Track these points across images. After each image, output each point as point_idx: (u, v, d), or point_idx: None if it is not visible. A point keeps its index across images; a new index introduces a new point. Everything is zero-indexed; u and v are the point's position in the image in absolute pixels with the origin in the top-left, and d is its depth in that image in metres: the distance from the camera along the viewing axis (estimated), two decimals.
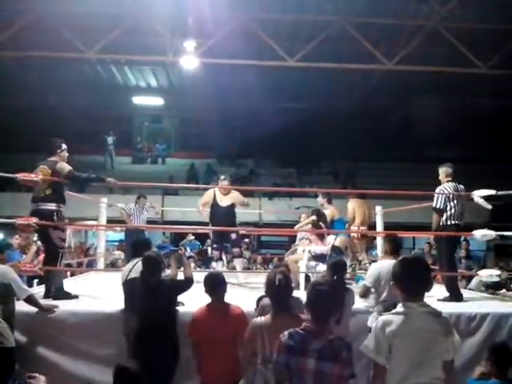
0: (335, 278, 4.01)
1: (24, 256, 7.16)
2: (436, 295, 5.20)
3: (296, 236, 8.15)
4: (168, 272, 4.44)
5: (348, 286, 4.48)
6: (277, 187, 17.47)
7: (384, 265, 4.24)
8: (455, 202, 5.52)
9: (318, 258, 6.75)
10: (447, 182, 5.65)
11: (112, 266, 8.90)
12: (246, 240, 13.03)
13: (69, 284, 5.76)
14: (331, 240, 6.83)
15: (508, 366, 3.34)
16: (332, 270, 4.17)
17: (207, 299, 3.83)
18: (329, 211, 7.24)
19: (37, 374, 1.84)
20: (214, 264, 7.40)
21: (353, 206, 7.64)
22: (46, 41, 11.83)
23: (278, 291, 3.12)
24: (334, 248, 6.75)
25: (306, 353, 2.51)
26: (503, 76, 12.58)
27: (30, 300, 4.18)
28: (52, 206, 4.95)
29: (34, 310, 4.26)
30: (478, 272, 6.17)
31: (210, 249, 7.83)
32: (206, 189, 7.98)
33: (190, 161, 19.54)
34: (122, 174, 14.93)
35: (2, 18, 11.31)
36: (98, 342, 4.21)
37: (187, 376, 3.98)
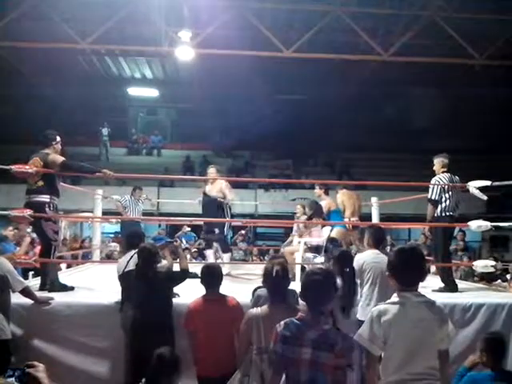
0: (346, 270, 3.86)
1: (18, 248, 7.15)
2: (431, 286, 5.23)
3: (292, 227, 8.13)
4: (164, 262, 4.43)
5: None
6: (273, 179, 17.47)
7: (366, 256, 4.29)
8: (450, 193, 5.52)
9: (314, 249, 6.77)
10: (442, 172, 5.65)
11: (108, 257, 8.89)
12: (242, 232, 13.04)
13: (64, 276, 5.75)
14: (327, 231, 6.83)
15: (502, 357, 3.36)
16: (340, 262, 3.96)
17: (202, 291, 3.83)
18: (325, 202, 7.24)
19: (36, 363, 1.84)
20: (207, 252, 7.35)
21: (342, 198, 7.62)
22: (40, 31, 11.74)
23: (276, 282, 3.12)
24: (331, 239, 6.75)
25: (301, 343, 2.51)
26: (499, 66, 12.56)
27: (26, 292, 4.17)
28: (44, 198, 4.93)
29: (30, 302, 4.25)
30: (473, 263, 6.20)
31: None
32: (204, 180, 7.93)
33: (185, 152, 19.50)
34: (117, 165, 14.88)
35: None
36: (94, 334, 4.21)
37: (184, 367, 3.98)
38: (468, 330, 4.53)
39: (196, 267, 6.17)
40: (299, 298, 2.75)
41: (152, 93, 20.31)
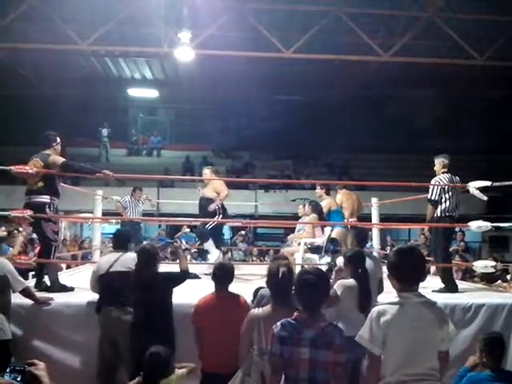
0: (359, 271, 3.87)
1: (11, 248, 7.14)
2: (431, 286, 5.23)
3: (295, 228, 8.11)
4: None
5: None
6: (272, 179, 17.47)
7: None
8: (450, 193, 5.52)
9: (315, 249, 6.78)
10: (443, 173, 5.65)
11: None
12: (242, 232, 13.05)
13: (64, 276, 5.75)
14: (327, 231, 6.84)
15: (501, 357, 3.36)
16: (352, 262, 3.94)
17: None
18: (326, 202, 7.24)
19: (36, 361, 1.83)
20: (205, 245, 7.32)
21: (341, 198, 7.63)
22: (40, 32, 11.74)
23: (281, 284, 3.11)
24: (331, 240, 6.76)
25: (299, 342, 2.53)
26: (499, 67, 12.56)
27: (26, 292, 4.17)
28: (44, 199, 4.93)
29: (29, 302, 4.25)
30: (473, 263, 6.20)
31: None
32: (201, 181, 7.91)
33: (185, 153, 19.49)
34: (117, 166, 14.88)
35: None
36: (94, 334, 4.20)
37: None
38: (468, 331, 4.53)
39: (196, 268, 6.19)
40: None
41: (152, 93, 20.30)
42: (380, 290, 4.34)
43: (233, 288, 3.92)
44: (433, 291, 5.14)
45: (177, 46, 11.66)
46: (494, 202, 9.83)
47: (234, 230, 14.73)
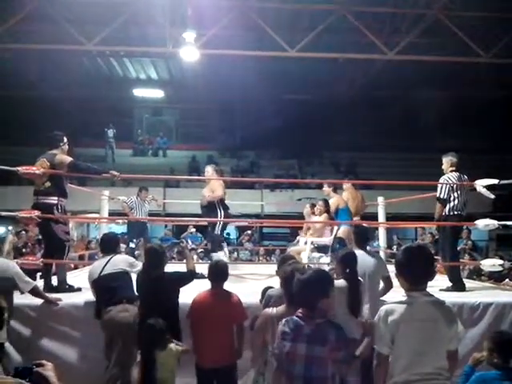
0: (348, 271, 3.83)
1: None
2: (438, 285, 5.21)
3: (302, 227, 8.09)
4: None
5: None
6: (278, 179, 17.46)
7: None
8: (459, 192, 5.49)
9: (321, 249, 6.77)
10: (451, 171, 5.62)
11: None
12: (249, 232, 13.04)
13: (71, 277, 5.76)
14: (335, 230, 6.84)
15: (510, 356, 3.33)
16: (342, 263, 3.90)
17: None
18: (334, 200, 7.21)
19: (44, 362, 1.84)
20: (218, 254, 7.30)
21: (347, 196, 7.59)
22: (45, 32, 11.78)
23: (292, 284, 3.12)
24: (337, 239, 6.74)
25: (297, 338, 2.58)
26: (505, 65, 12.50)
27: (35, 292, 4.19)
28: (52, 200, 4.94)
29: (37, 302, 4.27)
30: (481, 262, 6.17)
31: None
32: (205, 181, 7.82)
33: (190, 153, 19.51)
34: (123, 166, 14.91)
35: (1, 9, 11.26)
36: (101, 335, 4.21)
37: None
38: (476, 330, 4.51)
39: (203, 268, 6.19)
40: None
41: (157, 94, 20.35)
42: (388, 287, 4.34)
43: (239, 287, 3.94)
44: (440, 290, 5.12)
45: (182, 45, 11.68)
46: (501, 200, 9.79)
47: (240, 230, 14.74)
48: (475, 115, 17.62)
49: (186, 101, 19.99)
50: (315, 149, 19.30)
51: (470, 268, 8.69)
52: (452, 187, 5.48)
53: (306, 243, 6.87)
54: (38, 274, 6.31)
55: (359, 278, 3.86)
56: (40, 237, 10.59)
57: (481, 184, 5.72)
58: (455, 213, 5.46)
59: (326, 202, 7.07)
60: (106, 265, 4.29)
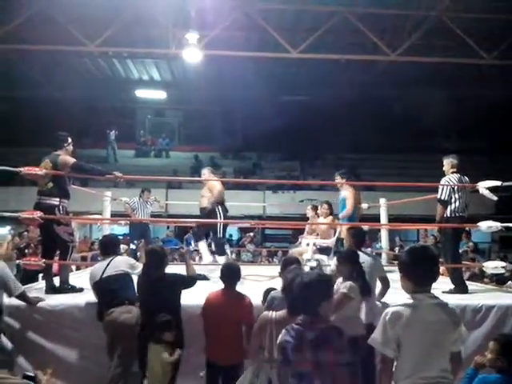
0: (354, 274, 3.81)
1: None
2: (441, 287, 5.19)
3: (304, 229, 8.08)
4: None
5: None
6: (280, 180, 17.45)
7: None
8: (460, 193, 5.49)
9: (323, 250, 6.77)
10: (452, 173, 5.62)
11: None
12: (251, 233, 13.04)
13: (74, 278, 5.77)
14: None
15: None
16: (347, 262, 3.88)
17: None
18: (348, 192, 7.21)
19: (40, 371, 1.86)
20: (199, 244, 7.29)
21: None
22: (47, 34, 11.78)
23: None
24: (339, 240, 6.75)
25: (301, 346, 2.55)
26: (508, 66, 12.47)
27: (22, 296, 4.21)
28: (54, 201, 4.96)
29: (40, 304, 4.29)
30: (484, 264, 6.16)
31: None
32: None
33: (193, 154, 19.52)
34: (125, 167, 14.93)
35: (4, 11, 11.29)
36: (104, 335, 4.22)
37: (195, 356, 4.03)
38: (479, 332, 4.51)
39: (203, 270, 6.20)
40: None
41: (160, 95, 20.36)
42: (385, 287, 4.37)
43: (242, 289, 3.95)
44: (443, 292, 5.11)
45: (184, 46, 11.70)
46: (503, 202, 9.73)
47: (242, 232, 14.74)
48: (478, 116, 17.58)
49: (188, 102, 20.00)
50: (317, 150, 19.29)
51: (476, 271, 8.67)
52: (453, 189, 5.47)
53: (308, 245, 6.87)
54: (41, 275, 6.33)
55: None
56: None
57: (483, 186, 5.71)
58: (457, 214, 5.46)
59: (330, 205, 7.09)
60: (106, 267, 4.30)
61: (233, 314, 3.79)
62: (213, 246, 7.07)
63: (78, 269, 7.42)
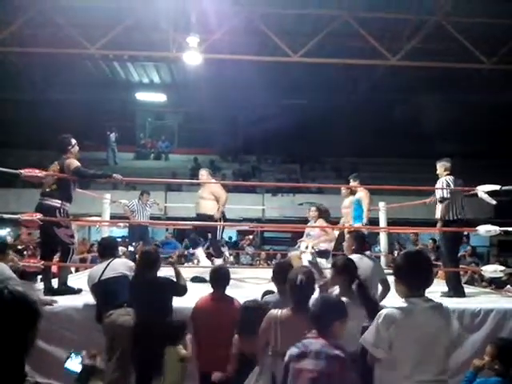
0: (350, 285, 3.53)
1: None
2: (438, 290, 5.20)
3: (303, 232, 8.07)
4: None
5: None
6: (280, 183, 17.46)
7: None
8: (456, 195, 5.51)
9: (322, 253, 6.77)
10: (446, 175, 5.64)
11: None
12: (250, 236, 13.05)
13: (73, 279, 5.77)
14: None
15: (511, 363, 3.32)
16: (346, 273, 3.56)
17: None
18: (363, 194, 7.24)
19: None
20: (197, 251, 7.22)
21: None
22: (48, 36, 11.83)
23: (299, 290, 3.15)
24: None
25: (305, 354, 2.60)
26: (509, 70, 12.51)
27: None
28: (55, 203, 4.99)
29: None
30: (482, 268, 6.16)
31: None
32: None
33: (192, 157, 19.53)
34: (124, 170, 14.93)
35: (5, 13, 11.32)
36: (102, 337, 4.22)
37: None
38: (477, 336, 4.51)
39: (205, 271, 6.19)
40: None
41: (160, 98, 20.38)
42: (386, 289, 4.30)
43: (240, 292, 3.94)
44: (441, 296, 5.11)
45: (185, 50, 11.72)
46: (502, 206, 9.76)
47: (241, 234, 14.74)
48: (477, 120, 17.59)
49: (188, 105, 20.02)
50: (317, 153, 19.32)
51: (474, 275, 8.68)
52: (450, 191, 5.48)
53: (306, 248, 6.87)
54: (39, 277, 6.34)
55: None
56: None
57: (482, 190, 5.72)
58: (455, 217, 5.47)
59: (319, 208, 7.10)
60: (105, 269, 4.30)
61: (223, 318, 3.72)
62: (211, 249, 7.07)
63: (77, 270, 7.42)
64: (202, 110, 19.30)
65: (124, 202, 8.71)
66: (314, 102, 18.06)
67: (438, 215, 5.63)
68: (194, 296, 4.16)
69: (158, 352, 3.78)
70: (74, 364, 2.01)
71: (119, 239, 12.04)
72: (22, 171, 4.92)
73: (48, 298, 4.45)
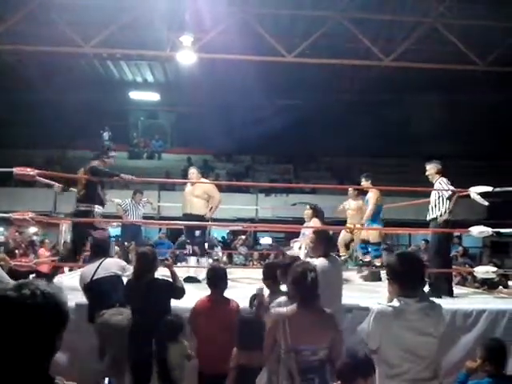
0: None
1: None
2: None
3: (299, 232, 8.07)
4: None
5: None
6: (273, 183, 17.46)
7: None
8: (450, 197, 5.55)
9: None
10: (439, 177, 5.68)
11: None
12: (243, 236, 13.04)
13: (67, 279, 5.75)
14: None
15: (504, 363, 3.34)
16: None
17: (201, 295, 3.92)
18: (373, 194, 7.24)
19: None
20: (187, 259, 7.06)
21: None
22: (42, 35, 11.77)
23: (308, 287, 3.06)
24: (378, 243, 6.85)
25: None
26: (501, 73, 12.58)
27: None
28: (84, 207, 5.40)
29: None
30: (474, 269, 6.19)
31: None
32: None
33: (186, 156, 19.50)
34: (118, 169, 14.77)
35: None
36: (95, 338, 4.20)
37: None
38: (469, 337, 4.53)
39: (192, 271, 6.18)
40: None
41: (153, 97, 20.34)
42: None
43: (233, 292, 3.93)
44: (431, 297, 5.11)
45: (179, 49, 11.70)
46: (494, 207, 9.83)
47: (234, 234, 14.74)
48: (470, 121, 17.68)
49: (181, 104, 19.98)
50: (311, 154, 19.35)
51: (463, 275, 8.72)
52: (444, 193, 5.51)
53: (300, 248, 6.88)
54: (31, 276, 6.31)
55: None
56: (33, 238, 10.58)
57: (475, 191, 5.75)
58: (446, 218, 5.49)
59: (313, 208, 7.11)
60: (97, 269, 4.28)
61: (223, 320, 3.71)
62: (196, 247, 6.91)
63: (70, 269, 7.39)
64: (196, 109, 19.31)
65: (117, 201, 8.67)
66: (308, 102, 18.09)
67: (433, 215, 5.66)
68: (188, 296, 4.15)
69: (156, 352, 3.78)
70: None
71: (112, 238, 12.04)
72: (14, 169, 4.90)
73: None
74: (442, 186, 5.60)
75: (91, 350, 4.12)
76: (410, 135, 18.23)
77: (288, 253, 7.08)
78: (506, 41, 12.04)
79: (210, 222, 6.77)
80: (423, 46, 12.41)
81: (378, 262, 7.26)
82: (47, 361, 1.42)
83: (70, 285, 5.17)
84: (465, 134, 17.73)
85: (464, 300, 5.27)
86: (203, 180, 7.20)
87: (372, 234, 7.26)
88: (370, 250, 7.45)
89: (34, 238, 8.75)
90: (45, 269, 7.06)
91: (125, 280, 4.31)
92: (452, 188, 5.56)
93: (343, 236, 7.95)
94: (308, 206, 7.37)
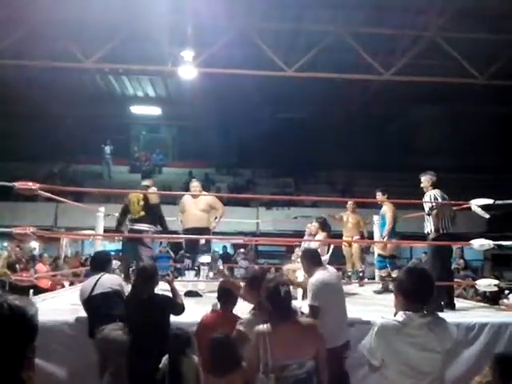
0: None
1: None
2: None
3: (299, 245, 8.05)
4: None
5: None
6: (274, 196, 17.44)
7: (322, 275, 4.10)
8: (444, 210, 5.51)
9: None
10: (433, 189, 5.65)
11: None
12: (243, 250, 13.01)
13: (66, 293, 5.73)
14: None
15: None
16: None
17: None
18: (388, 208, 7.26)
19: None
20: (186, 273, 6.99)
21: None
22: (44, 50, 11.85)
23: (282, 301, 3.10)
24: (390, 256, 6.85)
25: None
26: (501, 86, 12.64)
27: None
28: (144, 227, 5.81)
29: None
30: (476, 282, 6.16)
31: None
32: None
33: (187, 170, 19.53)
34: (119, 183, 14.89)
35: (1, 27, 11.34)
36: (95, 353, 4.17)
37: None
38: (472, 350, 4.50)
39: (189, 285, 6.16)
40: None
41: (154, 111, 20.44)
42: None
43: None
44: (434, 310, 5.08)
45: (180, 64, 11.78)
46: (495, 220, 9.82)
47: (236, 248, 14.70)
48: (470, 135, 17.72)
49: (182, 118, 20.08)
50: (311, 167, 19.37)
51: (465, 289, 8.68)
52: (437, 205, 5.47)
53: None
54: (31, 291, 6.28)
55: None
56: (34, 253, 10.58)
57: (476, 204, 5.74)
58: (444, 231, 5.46)
59: (321, 222, 7.10)
60: (95, 284, 4.27)
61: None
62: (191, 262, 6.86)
63: (71, 284, 7.36)
64: (197, 123, 19.39)
65: (118, 215, 8.64)
66: (308, 116, 18.17)
67: (426, 229, 5.63)
68: (189, 311, 4.13)
69: (167, 365, 3.73)
70: None
71: (113, 253, 12.00)
72: (16, 184, 4.90)
73: None
74: (429, 199, 5.58)
75: (91, 365, 4.09)
76: (411, 148, 18.27)
77: (289, 266, 7.06)
78: (506, 54, 12.11)
79: (211, 236, 6.74)
80: (424, 59, 12.48)
81: (394, 274, 7.25)
82: (17, 374, 1.42)
83: (71, 300, 5.16)
84: (467, 146, 17.75)
85: (466, 313, 5.23)
86: (203, 192, 7.20)
87: (388, 247, 7.28)
88: (387, 263, 7.47)
89: (35, 252, 8.74)
90: (44, 284, 7.05)
91: (125, 293, 4.30)
92: (440, 201, 5.51)
93: (345, 250, 7.98)
94: (315, 219, 7.33)
